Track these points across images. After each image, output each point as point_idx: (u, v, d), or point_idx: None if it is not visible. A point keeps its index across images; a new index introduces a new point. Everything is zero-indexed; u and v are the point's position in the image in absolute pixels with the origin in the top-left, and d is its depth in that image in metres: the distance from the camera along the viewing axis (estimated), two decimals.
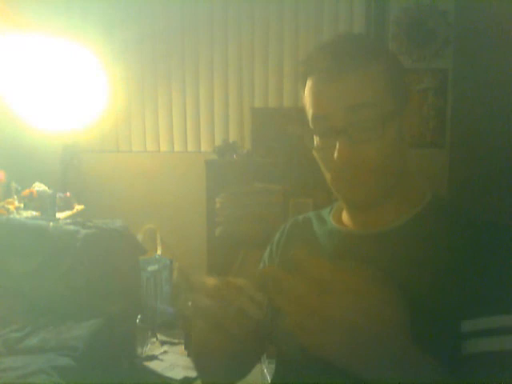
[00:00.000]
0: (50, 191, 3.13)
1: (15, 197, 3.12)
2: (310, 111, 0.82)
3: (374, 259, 0.81)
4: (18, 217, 2.82)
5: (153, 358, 2.91)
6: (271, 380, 0.97)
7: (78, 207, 3.32)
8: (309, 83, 0.82)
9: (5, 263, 2.56)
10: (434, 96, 3.17)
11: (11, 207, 2.96)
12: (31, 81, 3.15)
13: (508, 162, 3.04)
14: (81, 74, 3.22)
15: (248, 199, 3.10)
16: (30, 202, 3.03)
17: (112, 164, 3.55)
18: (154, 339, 3.12)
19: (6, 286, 2.55)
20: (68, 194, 3.30)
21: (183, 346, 2.99)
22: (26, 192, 3.08)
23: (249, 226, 3.02)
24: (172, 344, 3.08)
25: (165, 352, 2.99)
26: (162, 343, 3.09)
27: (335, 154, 0.78)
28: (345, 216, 0.93)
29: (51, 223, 2.67)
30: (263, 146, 3.10)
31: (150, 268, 3.25)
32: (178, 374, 2.74)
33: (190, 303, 0.75)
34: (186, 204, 3.46)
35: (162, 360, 2.90)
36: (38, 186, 3.16)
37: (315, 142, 0.84)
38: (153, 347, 3.04)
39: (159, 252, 3.46)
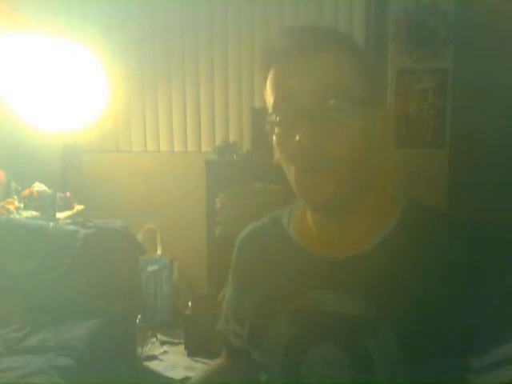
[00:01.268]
0: (49, 191, 3.13)
1: (15, 197, 3.12)
2: (271, 97, 0.76)
3: (353, 288, 0.75)
4: (18, 217, 2.82)
5: (153, 357, 2.91)
6: None
7: (78, 207, 3.32)
8: (272, 70, 0.76)
9: (5, 263, 2.56)
10: (434, 96, 3.17)
11: (11, 207, 2.96)
12: (31, 81, 3.14)
13: (508, 162, 3.04)
14: (81, 74, 3.22)
15: (248, 199, 3.10)
16: (30, 201, 3.03)
17: (112, 164, 3.55)
18: (154, 339, 3.12)
19: (6, 285, 2.54)
20: (68, 194, 3.30)
21: (183, 346, 2.99)
22: (26, 192, 3.07)
23: None
24: (172, 344, 3.08)
25: (165, 352, 2.99)
26: (162, 343, 3.09)
27: (296, 138, 0.71)
28: (308, 222, 0.84)
29: (51, 223, 2.67)
30: (263, 145, 3.09)
31: (150, 268, 3.25)
32: (177, 374, 2.74)
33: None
34: (186, 204, 3.46)
35: (161, 360, 2.90)
36: (38, 186, 3.16)
37: (276, 133, 0.77)
38: (153, 347, 3.04)
39: (159, 252, 3.46)
